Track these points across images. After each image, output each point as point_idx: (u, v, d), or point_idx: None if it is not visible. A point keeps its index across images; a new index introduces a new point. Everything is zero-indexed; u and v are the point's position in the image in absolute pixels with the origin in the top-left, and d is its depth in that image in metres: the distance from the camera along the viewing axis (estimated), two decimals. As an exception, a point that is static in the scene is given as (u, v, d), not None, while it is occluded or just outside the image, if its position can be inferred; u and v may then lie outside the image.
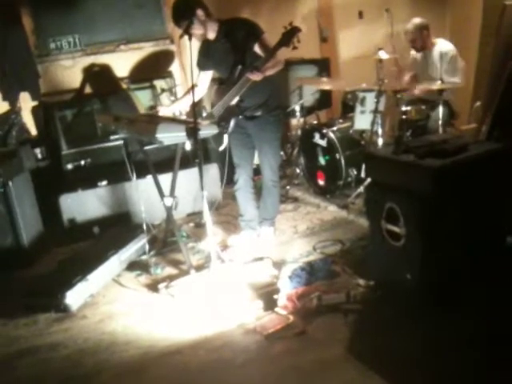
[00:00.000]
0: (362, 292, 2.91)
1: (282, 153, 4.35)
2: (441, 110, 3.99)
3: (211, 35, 3.43)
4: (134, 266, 3.65)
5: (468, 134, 4.18)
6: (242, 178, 3.73)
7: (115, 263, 3.54)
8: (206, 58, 3.55)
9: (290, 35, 3.09)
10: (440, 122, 3.99)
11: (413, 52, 4.78)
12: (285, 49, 3.16)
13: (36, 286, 3.35)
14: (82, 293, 3.22)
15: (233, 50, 3.38)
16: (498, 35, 3.92)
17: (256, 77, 3.19)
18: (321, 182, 4.67)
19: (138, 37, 5.24)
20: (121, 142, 4.49)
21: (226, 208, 4.58)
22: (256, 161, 3.83)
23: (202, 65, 3.59)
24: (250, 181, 3.78)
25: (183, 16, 3.23)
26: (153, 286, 3.33)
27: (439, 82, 4.03)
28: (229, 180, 3.88)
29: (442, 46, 4.52)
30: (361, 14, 5.67)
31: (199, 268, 3.39)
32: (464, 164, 2.63)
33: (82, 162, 4.52)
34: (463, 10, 5.77)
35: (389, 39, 4.80)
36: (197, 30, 3.31)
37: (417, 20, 4.52)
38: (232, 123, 3.44)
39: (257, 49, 3.34)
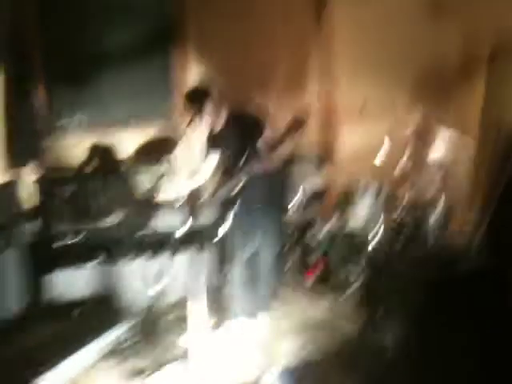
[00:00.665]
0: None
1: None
2: (436, 217, 4.00)
3: (219, 124, 3.52)
4: (113, 354, 3.51)
5: (462, 239, 4.14)
6: (238, 268, 3.68)
7: (94, 350, 3.42)
8: (211, 145, 3.62)
9: (295, 127, 3.22)
10: (435, 230, 3.98)
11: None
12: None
13: (6, 369, 3.21)
14: (56, 380, 3.08)
15: (238, 140, 3.46)
16: (496, 147, 4.00)
17: (259, 167, 3.28)
18: (312, 278, 4.59)
19: (144, 120, 5.35)
20: (116, 223, 4.47)
21: (219, 295, 4.47)
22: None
23: (208, 152, 3.65)
24: (245, 271, 3.71)
25: (196, 101, 3.37)
26: (131, 378, 3.19)
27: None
28: (223, 268, 3.82)
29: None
30: (362, 111, 5.80)
31: (180, 361, 3.24)
32: (458, 278, 2.59)
33: (74, 241, 4.48)
34: (463, 112, 5.89)
35: (389, 136, 4.88)
36: (206, 117, 3.41)
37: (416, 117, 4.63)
38: (232, 213, 3.44)
39: (261, 143, 3.41)
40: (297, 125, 3.20)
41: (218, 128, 3.54)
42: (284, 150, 3.40)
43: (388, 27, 5.63)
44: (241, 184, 3.37)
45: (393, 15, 5.60)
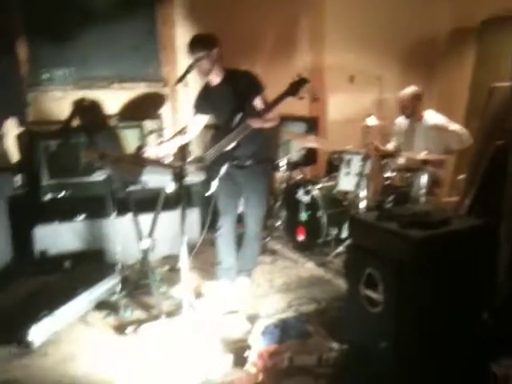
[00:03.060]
0: (334, 356, 2.85)
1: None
2: (424, 179, 4.06)
3: (215, 79, 3.47)
4: (103, 305, 3.55)
5: (449, 207, 4.25)
6: (225, 226, 3.72)
7: (84, 301, 3.44)
8: (205, 101, 3.58)
9: (297, 85, 3.20)
10: (423, 191, 4.05)
11: (398, 120, 4.88)
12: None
13: (-1, 317, 3.23)
14: (46, 329, 3.11)
15: (234, 97, 3.41)
16: (484, 115, 4.04)
17: (256, 124, 3.25)
18: (300, 238, 4.66)
19: (132, 77, 5.29)
20: (104, 178, 4.44)
21: (203, 254, 4.51)
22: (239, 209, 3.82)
23: (200, 108, 3.62)
24: (233, 229, 3.77)
25: (201, 46, 3.28)
26: (120, 329, 3.24)
27: (424, 152, 4.12)
28: (210, 226, 3.83)
29: (431, 118, 4.58)
30: (352, 79, 5.80)
31: (170, 314, 3.30)
32: (446, 237, 2.65)
33: (62, 194, 4.45)
34: (450, 86, 5.97)
35: (377, 105, 4.93)
36: (205, 65, 3.34)
37: (412, 87, 4.63)
38: (223, 169, 3.44)
39: (256, 102, 3.40)
40: (300, 82, 3.18)
41: (214, 84, 3.49)
42: (278, 110, 3.38)
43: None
44: (234, 141, 3.36)
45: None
